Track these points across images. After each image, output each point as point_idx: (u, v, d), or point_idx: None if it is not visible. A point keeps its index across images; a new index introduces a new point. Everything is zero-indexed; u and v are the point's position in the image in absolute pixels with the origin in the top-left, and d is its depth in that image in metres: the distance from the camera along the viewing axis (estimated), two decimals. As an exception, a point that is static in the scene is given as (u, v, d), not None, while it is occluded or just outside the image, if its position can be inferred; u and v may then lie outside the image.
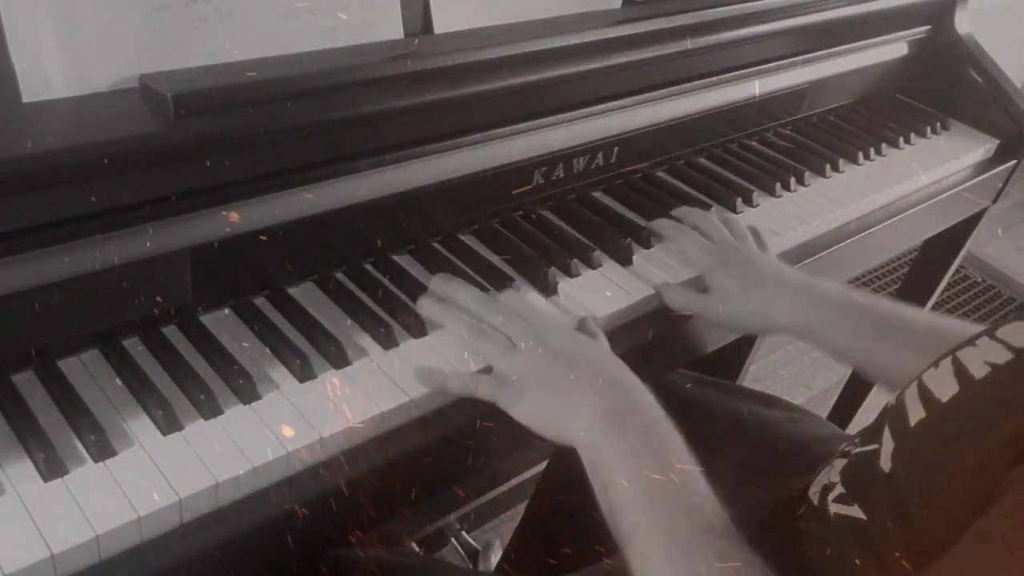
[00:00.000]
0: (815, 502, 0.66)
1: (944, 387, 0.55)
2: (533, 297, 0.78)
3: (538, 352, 0.65)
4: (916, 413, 0.56)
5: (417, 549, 1.30)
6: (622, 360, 0.68)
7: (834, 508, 0.62)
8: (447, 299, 0.71)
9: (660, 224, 0.89)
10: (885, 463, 0.58)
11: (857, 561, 0.57)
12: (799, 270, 0.85)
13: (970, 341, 0.56)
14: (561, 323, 0.74)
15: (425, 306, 0.71)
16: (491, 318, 0.68)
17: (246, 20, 0.66)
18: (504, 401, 0.65)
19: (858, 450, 0.64)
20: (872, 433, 0.62)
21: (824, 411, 1.66)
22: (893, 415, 0.59)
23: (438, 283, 0.73)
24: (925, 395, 0.56)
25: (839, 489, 0.63)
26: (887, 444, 0.58)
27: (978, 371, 0.53)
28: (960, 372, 0.54)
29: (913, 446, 0.56)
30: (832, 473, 0.65)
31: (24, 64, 0.58)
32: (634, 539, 0.56)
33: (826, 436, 0.86)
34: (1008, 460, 0.46)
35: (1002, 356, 0.53)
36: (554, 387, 0.64)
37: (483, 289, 0.76)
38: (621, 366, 0.67)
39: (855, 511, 0.60)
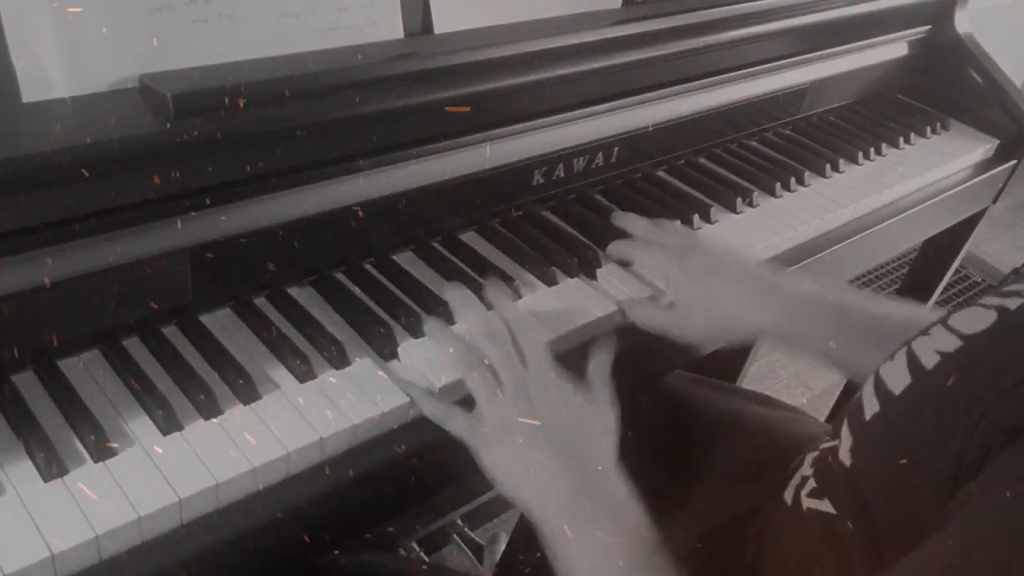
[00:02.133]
0: (788, 501, 0.65)
1: (898, 379, 0.54)
2: (534, 296, 0.78)
3: (519, 407, 0.62)
4: (871, 407, 0.55)
5: (417, 549, 1.30)
6: (615, 420, 0.64)
7: (807, 503, 0.62)
8: (459, 311, 0.70)
9: (615, 248, 0.84)
10: (845, 458, 0.57)
11: (824, 556, 0.57)
12: (767, 264, 0.81)
13: (924, 330, 0.55)
14: (558, 378, 0.65)
15: (431, 325, 0.70)
16: (488, 351, 0.66)
17: (246, 20, 0.66)
18: (472, 444, 0.62)
19: (825, 445, 0.63)
20: (836, 428, 0.61)
21: (824, 411, 1.66)
22: (851, 409, 0.58)
23: (452, 297, 0.71)
24: (880, 388, 0.55)
25: (811, 483, 0.63)
26: (846, 439, 0.58)
27: (929, 361, 0.52)
28: (912, 363, 0.53)
29: (869, 440, 0.55)
30: (804, 468, 0.65)
31: (24, 64, 0.58)
32: None
33: (823, 437, 0.86)
34: (966, 453, 0.45)
35: (952, 344, 0.51)
36: (520, 452, 0.60)
37: (483, 290, 0.76)
38: (598, 446, 0.63)
39: (825, 505, 0.60)
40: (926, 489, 0.48)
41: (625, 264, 0.84)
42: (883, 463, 0.53)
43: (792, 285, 0.76)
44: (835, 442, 0.60)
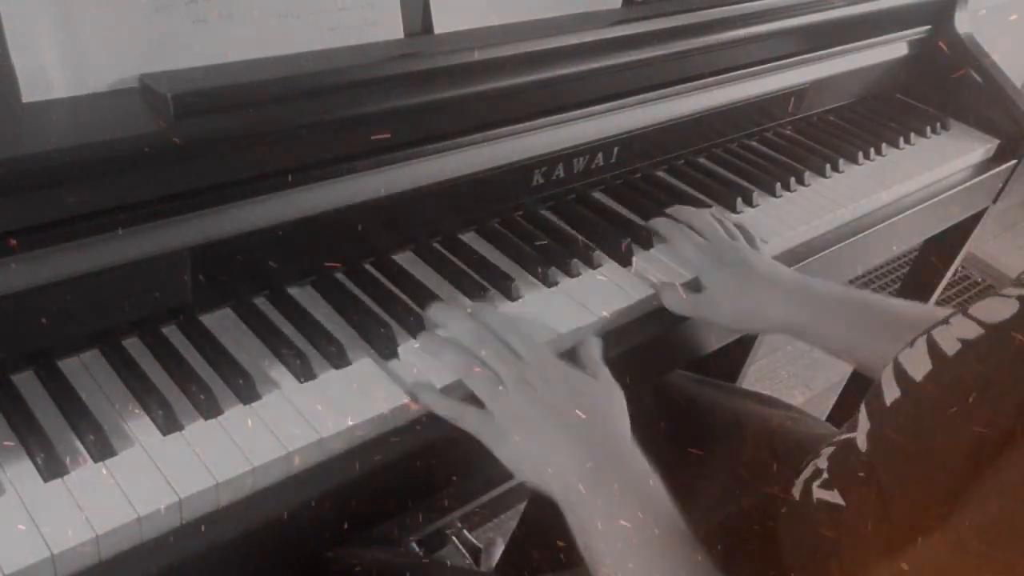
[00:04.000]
0: (797, 496, 0.66)
1: (918, 366, 0.55)
2: (535, 294, 0.78)
3: (523, 395, 0.63)
4: (892, 392, 0.56)
5: (417, 549, 1.30)
6: (619, 386, 0.67)
7: (817, 494, 0.63)
8: (442, 325, 0.70)
9: (657, 223, 0.89)
10: (861, 444, 0.58)
11: (827, 547, 0.58)
12: (792, 270, 0.85)
13: (944, 320, 0.56)
14: (555, 360, 0.67)
15: (424, 340, 0.70)
16: (482, 353, 0.66)
17: (246, 20, 0.66)
18: (487, 439, 0.63)
19: (842, 437, 0.64)
20: (855, 421, 0.62)
21: (824, 411, 1.66)
22: (870, 396, 0.59)
23: (435, 312, 0.71)
24: (900, 374, 0.56)
25: (824, 475, 0.64)
26: (863, 424, 0.59)
27: (950, 348, 0.53)
28: (933, 350, 0.54)
29: (888, 425, 0.56)
30: (820, 461, 0.66)
31: (24, 64, 0.58)
32: None
33: (824, 436, 0.87)
34: (984, 439, 0.46)
35: (973, 332, 0.53)
36: (535, 436, 0.62)
37: (483, 289, 0.76)
38: (609, 416, 0.65)
39: (835, 496, 0.60)
40: (944, 473, 0.48)
41: (649, 246, 0.88)
42: (901, 447, 0.54)
43: (819, 283, 0.80)
44: (852, 434, 0.61)
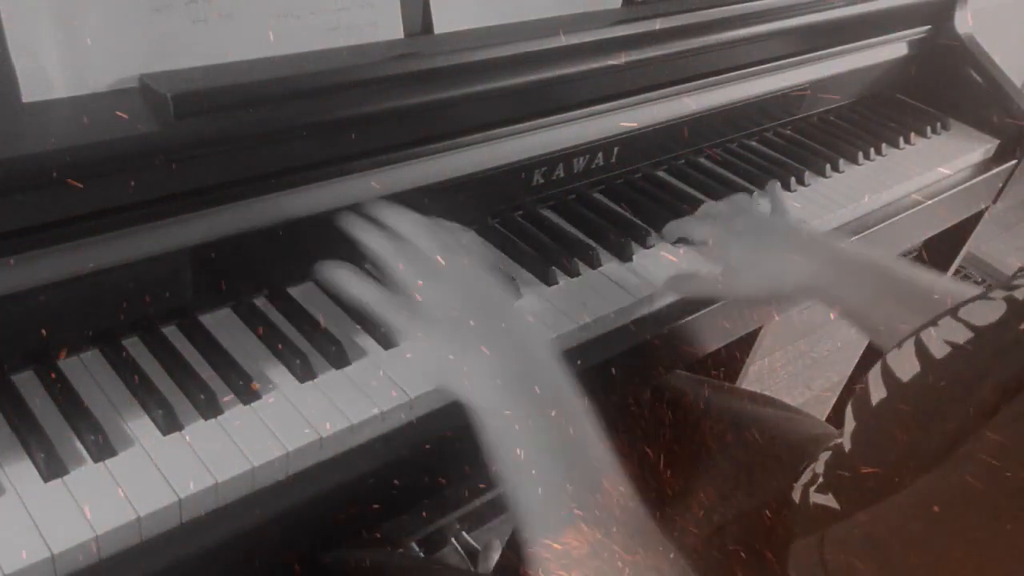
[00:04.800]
0: (796, 500, 0.66)
1: (905, 367, 0.54)
2: (535, 294, 0.78)
3: (444, 290, 0.58)
4: (878, 393, 0.56)
5: (417, 549, 1.30)
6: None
7: (814, 498, 0.63)
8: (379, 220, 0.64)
9: (669, 228, 0.87)
10: (846, 444, 0.58)
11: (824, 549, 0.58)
12: (814, 228, 0.83)
13: (932, 321, 0.56)
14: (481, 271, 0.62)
15: (349, 222, 0.63)
16: (416, 239, 0.61)
17: (246, 20, 0.66)
18: (397, 328, 0.59)
19: (836, 440, 0.64)
20: (841, 420, 0.62)
21: (824, 411, 1.66)
22: (856, 396, 0.59)
23: (378, 208, 0.64)
24: (887, 375, 0.56)
25: (820, 479, 0.64)
26: (849, 424, 0.58)
27: (938, 351, 0.53)
28: (921, 352, 0.54)
29: (872, 425, 0.56)
30: (817, 466, 0.66)
31: (24, 64, 0.58)
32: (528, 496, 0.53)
33: (823, 436, 0.87)
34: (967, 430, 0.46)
35: (962, 335, 0.52)
36: (451, 331, 0.57)
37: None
38: (531, 329, 0.60)
39: (830, 500, 0.60)
40: (923, 471, 0.48)
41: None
42: (885, 448, 0.53)
43: (839, 244, 0.77)
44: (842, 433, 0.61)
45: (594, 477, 0.53)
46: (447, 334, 0.58)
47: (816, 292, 0.76)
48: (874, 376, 0.57)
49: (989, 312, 0.52)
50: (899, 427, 0.53)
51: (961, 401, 0.48)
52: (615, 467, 0.54)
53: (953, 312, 0.55)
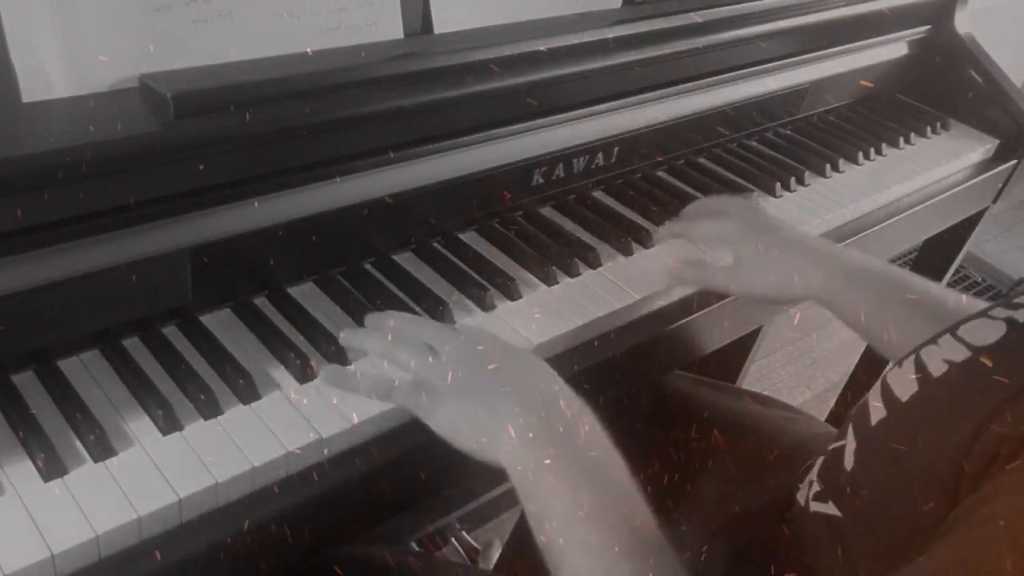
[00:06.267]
0: (801, 503, 0.66)
1: (905, 386, 0.54)
2: (535, 294, 0.78)
3: (461, 355, 0.61)
4: (878, 412, 0.56)
5: (417, 548, 1.30)
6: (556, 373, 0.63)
7: (813, 506, 0.62)
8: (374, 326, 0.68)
9: (664, 228, 0.87)
10: (848, 461, 0.58)
11: (830, 559, 0.57)
12: (820, 236, 0.84)
13: (933, 339, 0.55)
14: (488, 331, 0.66)
15: (346, 336, 0.68)
16: (415, 331, 0.65)
17: (246, 20, 0.66)
18: (421, 410, 0.60)
19: (833, 446, 0.64)
20: (843, 430, 0.62)
21: (824, 411, 1.66)
22: (857, 414, 0.59)
23: (370, 318, 0.69)
24: (887, 394, 0.56)
25: (816, 486, 0.63)
26: (850, 443, 0.58)
27: (937, 370, 0.53)
28: (920, 371, 0.54)
29: (873, 445, 0.56)
30: (812, 474, 0.65)
31: (24, 64, 0.58)
32: (567, 559, 0.53)
33: (823, 436, 0.87)
34: (969, 462, 0.46)
35: (960, 354, 0.52)
36: (477, 396, 0.59)
37: (483, 290, 0.76)
38: (553, 375, 0.62)
39: (831, 508, 0.60)
40: (926, 497, 0.48)
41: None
42: (885, 469, 0.53)
43: (845, 252, 0.78)
44: (842, 442, 0.60)
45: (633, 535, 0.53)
46: (470, 391, 0.59)
47: (823, 300, 0.76)
48: (874, 394, 0.57)
49: (988, 332, 0.52)
50: (899, 448, 0.52)
51: (962, 426, 0.48)
52: (639, 493, 0.55)
53: (953, 330, 0.54)
